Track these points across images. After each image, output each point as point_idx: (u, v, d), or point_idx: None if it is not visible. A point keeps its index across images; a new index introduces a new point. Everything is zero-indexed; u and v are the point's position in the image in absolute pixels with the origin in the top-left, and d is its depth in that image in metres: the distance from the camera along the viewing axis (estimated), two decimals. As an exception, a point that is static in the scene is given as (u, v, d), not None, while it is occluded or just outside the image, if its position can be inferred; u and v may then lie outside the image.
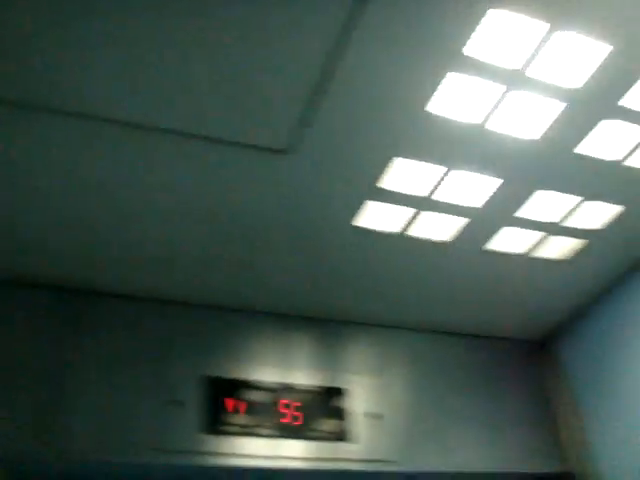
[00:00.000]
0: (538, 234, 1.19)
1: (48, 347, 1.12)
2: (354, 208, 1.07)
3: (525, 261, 1.26)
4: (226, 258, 1.17)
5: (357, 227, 1.11)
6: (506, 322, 1.48)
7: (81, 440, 1.05)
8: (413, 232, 1.14)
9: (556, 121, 0.94)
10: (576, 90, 0.90)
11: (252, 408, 1.18)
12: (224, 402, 1.17)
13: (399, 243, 1.16)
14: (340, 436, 1.21)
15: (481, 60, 0.84)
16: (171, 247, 1.12)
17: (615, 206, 1.14)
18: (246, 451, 1.13)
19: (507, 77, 0.86)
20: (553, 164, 1.03)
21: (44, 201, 1.00)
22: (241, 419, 1.16)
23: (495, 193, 1.07)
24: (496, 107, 0.91)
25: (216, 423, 1.14)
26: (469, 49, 0.82)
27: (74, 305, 1.17)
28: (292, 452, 1.16)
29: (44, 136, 0.89)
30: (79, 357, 1.12)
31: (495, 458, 1.34)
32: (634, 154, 1.03)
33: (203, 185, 1.00)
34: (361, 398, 1.28)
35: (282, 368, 1.25)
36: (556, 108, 0.92)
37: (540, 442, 1.41)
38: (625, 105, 0.94)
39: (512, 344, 1.53)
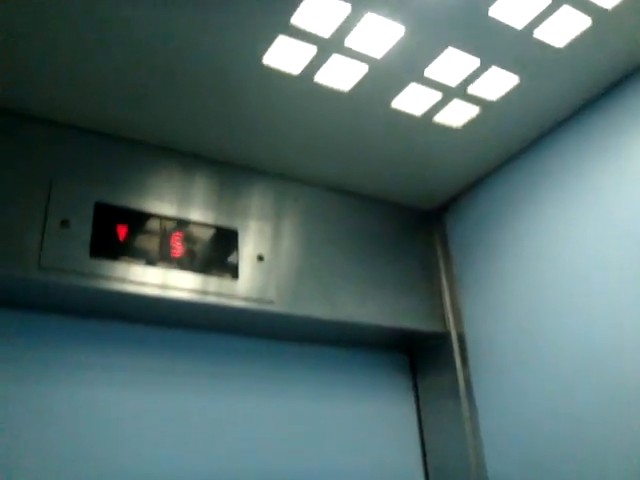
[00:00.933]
0: (439, 95, 1.21)
1: None
2: (265, 44, 1.05)
3: (425, 125, 1.28)
4: (134, 90, 1.14)
5: (266, 66, 1.09)
6: (402, 189, 1.53)
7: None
8: (320, 78, 1.14)
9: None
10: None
11: (144, 238, 1.20)
12: (116, 229, 1.18)
13: (305, 88, 1.16)
14: (227, 273, 1.25)
15: None
16: (66, 65, 1.08)
17: (513, 76, 1.17)
18: (135, 278, 1.15)
19: None
20: (463, 23, 1.04)
21: None
22: (132, 247, 1.18)
23: (401, 45, 1.07)
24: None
25: (106, 248, 1.15)
26: None
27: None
28: (180, 283, 1.19)
29: None
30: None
31: (378, 313, 1.41)
32: (541, 26, 1.06)
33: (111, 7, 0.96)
34: (251, 241, 1.31)
35: (177, 204, 1.26)
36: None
37: (422, 304, 1.50)
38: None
39: (404, 211, 1.60)
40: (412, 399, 1.58)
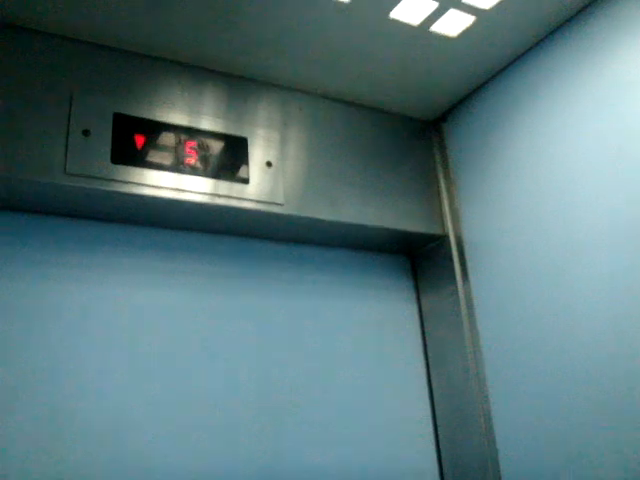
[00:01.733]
0: (435, 4, 1.26)
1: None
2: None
3: (422, 35, 1.34)
4: (148, 5, 1.21)
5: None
6: (401, 99, 1.60)
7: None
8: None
9: None
10: None
11: (160, 146, 1.28)
12: (134, 137, 1.27)
13: (309, 1, 1.23)
14: (238, 178, 1.34)
15: None
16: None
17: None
18: (152, 182, 1.24)
19: None
20: None
21: None
22: (149, 154, 1.26)
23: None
24: None
25: (125, 156, 1.24)
26: None
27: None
28: (194, 187, 1.29)
29: None
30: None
31: (379, 216, 1.51)
32: None
33: None
34: (260, 148, 1.40)
35: (189, 114, 1.34)
36: None
37: (421, 208, 1.59)
38: None
39: (404, 120, 1.67)
40: (414, 299, 1.70)
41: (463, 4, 1.27)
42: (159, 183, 1.26)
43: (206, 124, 1.35)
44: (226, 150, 1.35)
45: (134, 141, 1.26)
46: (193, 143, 1.32)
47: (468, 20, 1.32)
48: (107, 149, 1.23)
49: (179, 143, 1.31)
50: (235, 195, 1.32)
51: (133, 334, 1.29)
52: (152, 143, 1.28)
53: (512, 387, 1.40)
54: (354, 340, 1.56)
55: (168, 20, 1.26)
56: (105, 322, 1.27)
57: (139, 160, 1.25)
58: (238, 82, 1.44)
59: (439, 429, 1.57)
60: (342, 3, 1.24)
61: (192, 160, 1.30)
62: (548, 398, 1.30)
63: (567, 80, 1.34)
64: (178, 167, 1.29)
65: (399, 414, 1.54)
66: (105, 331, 1.27)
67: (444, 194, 1.63)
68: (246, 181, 1.35)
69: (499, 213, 1.48)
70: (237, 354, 1.39)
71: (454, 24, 1.33)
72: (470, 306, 1.53)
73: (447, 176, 1.64)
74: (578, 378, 1.24)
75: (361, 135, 1.57)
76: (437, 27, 1.33)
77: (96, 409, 1.21)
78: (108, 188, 1.21)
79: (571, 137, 1.31)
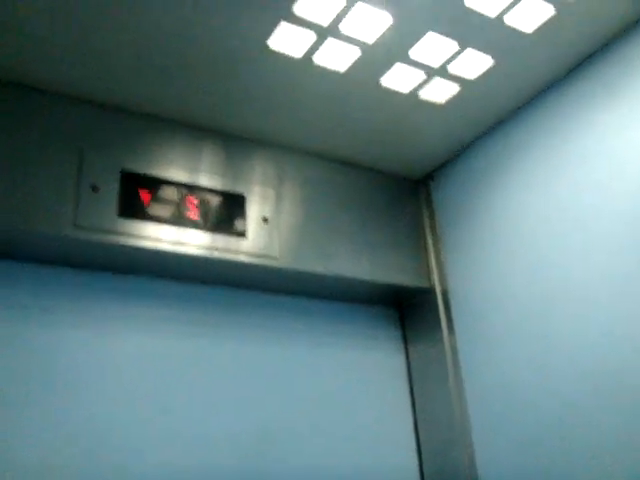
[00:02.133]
0: (423, 75, 1.36)
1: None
2: (269, 28, 1.20)
3: (411, 102, 1.44)
4: (152, 69, 1.29)
5: (269, 49, 1.25)
6: (391, 159, 1.69)
7: (6, 213, 1.19)
8: (318, 60, 1.29)
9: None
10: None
11: (162, 200, 1.36)
12: (139, 192, 1.34)
13: (304, 69, 1.31)
14: (236, 232, 1.42)
15: None
16: (95, 49, 1.23)
17: (488, 58, 1.32)
18: (155, 235, 1.31)
19: None
20: (442, 11, 1.19)
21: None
22: (152, 209, 1.34)
23: (389, 29, 1.22)
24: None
25: (131, 210, 1.31)
26: None
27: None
28: (194, 241, 1.36)
29: None
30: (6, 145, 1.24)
31: (370, 270, 1.58)
32: (510, 13, 1.21)
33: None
34: (257, 204, 1.47)
35: (190, 171, 1.42)
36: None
37: (409, 262, 1.67)
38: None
39: (394, 179, 1.77)
40: (402, 349, 1.76)
41: (449, 74, 1.37)
42: (161, 236, 1.33)
43: (206, 181, 1.43)
44: (225, 206, 1.43)
45: (139, 196, 1.33)
46: (194, 198, 1.39)
47: (454, 89, 1.42)
48: (114, 203, 1.30)
49: (181, 198, 1.38)
50: (232, 248, 1.39)
51: (129, 381, 1.34)
52: (156, 198, 1.35)
53: (496, 435, 1.45)
54: (344, 388, 1.61)
55: (170, 85, 1.35)
56: (106, 368, 1.32)
57: (144, 214, 1.32)
58: (235, 141, 1.53)
59: (425, 477, 1.61)
60: (336, 72, 1.33)
61: (193, 214, 1.38)
62: (533, 446, 1.35)
63: (548, 140, 1.43)
64: (180, 221, 1.36)
65: (386, 461, 1.58)
66: (105, 377, 1.32)
67: (431, 248, 1.71)
68: (243, 235, 1.42)
69: (483, 266, 1.56)
70: (231, 401, 1.43)
71: (441, 92, 1.43)
72: (455, 355, 1.60)
73: (434, 231, 1.72)
74: (563, 427, 1.29)
75: (353, 192, 1.66)
76: (425, 94, 1.43)
77: (91, 458, 1.24)
78: (114, 241, 1.28)
79: (552, 193, 1.40)
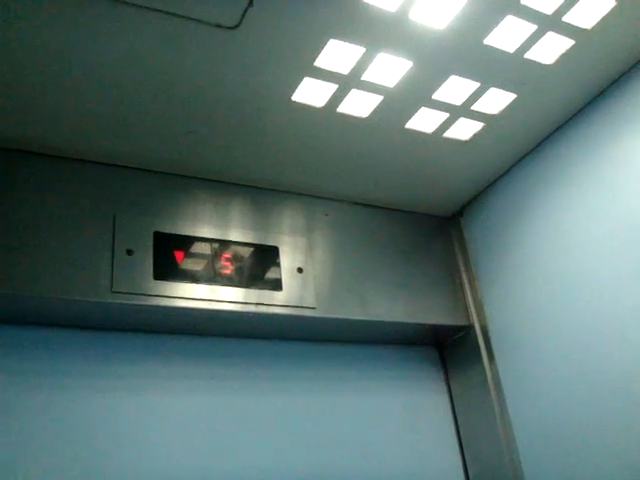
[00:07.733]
0: (446, 115, 1.37)
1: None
2: (293, 84, 1.22)
3: (436, 141, 1.44)
4: (174, 129, 1.31)
5: (295, 102, 1.26)
6: (420, 199, 1.69)
7: (45, 282, 1.19)
8: (342, 109, 1.30)
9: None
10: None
11: (197, 260, 1.37)
12: (173, 253, 1.35)
13: (330, 119, 1.33)
14: (271, 285, 1.42)
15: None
16: (123, 117, 1.26)
17: (510, 94, 1.33)
18: (191, 295, 1.31)
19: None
20: (462, 53, 1.20)
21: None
22: (188, 268, 1.35)
23: (410, 75, 1.23)
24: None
25: (166, 271, 1.32)
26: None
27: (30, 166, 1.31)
28: (231, 297, 1.35)
29: None
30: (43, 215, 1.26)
31: (407, 312, 1.57)
32: (531, 49, 1.22)
33: (157, 58, 1.12)
34: (290, 255, 1.48)
35: (221, 227, 1.43)
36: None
37: (446, 301, 1.66)
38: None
39: (425, 218, 1.76)
40: (444, 388, 1.73)
41: (472, 112, 1.37)
42: (197, 295, 1.33)
43: (238, 235, 1.44)
44: (258, 259, 1.43)
45: (174, 257, 1.34)
46: (228, 255, 1.40)
47: (478, 125, 1.42)
48: (149, 266, 1.31)
49: (215, 255, 1.39)
50: (268, 302, 1.39)
51: (174, 439, 1.33)
52: (190, 257, 1.36)
53: (546, 468, 1.41)
54: (390, 431, 1.59)
55: (198, 144, 1.37)
56: (153, 428, 1.32)
57: (179, 274, 1.33)
58: (264, 193, 1.54)
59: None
60: (360, 118, 1.34)
61: (228, 271, 1.38)
62: (585, 478, 1.32)
63: (577, 171, 1.42)
64: (215, 278, 1.36)
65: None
66: (151, 436, 1.31)
67: (466, 286, 1.69)
68: (279, 287, 1.42)
69: (520, 300, 1.54)
70: (281, 452, 1.42)
71: (465, 129, 1.43)
72: (499, 391, 1.57)
73: (468, 268, 1.71)
74: (613, 454, 1.26)
75: (385, 235, 1.65)
76: (449, 133, 1.43)
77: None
78: (151, 303, 1.28)
79: (585, 225, 1.39)
